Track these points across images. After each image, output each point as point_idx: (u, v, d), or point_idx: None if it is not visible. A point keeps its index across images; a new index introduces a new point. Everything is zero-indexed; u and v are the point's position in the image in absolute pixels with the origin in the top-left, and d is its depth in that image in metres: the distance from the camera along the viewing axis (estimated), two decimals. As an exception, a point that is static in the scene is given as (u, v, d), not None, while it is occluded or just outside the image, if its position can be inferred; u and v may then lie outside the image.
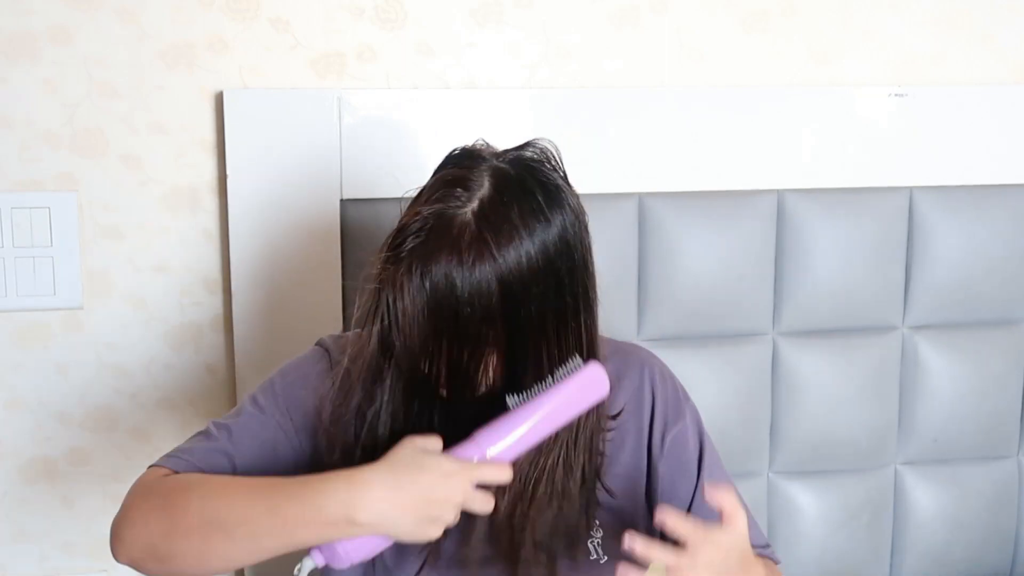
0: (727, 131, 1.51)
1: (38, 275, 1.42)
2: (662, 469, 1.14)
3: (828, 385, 1.56)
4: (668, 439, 1.14)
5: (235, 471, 1.04)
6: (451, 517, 0.94)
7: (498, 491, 0.99)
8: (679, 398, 1.18)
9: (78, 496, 1.49)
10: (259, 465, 1.05)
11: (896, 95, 1.54)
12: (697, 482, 1.14)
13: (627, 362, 1.15)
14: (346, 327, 1.45)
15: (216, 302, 1.47)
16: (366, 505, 0.92)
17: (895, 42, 1.57)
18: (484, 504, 0.95)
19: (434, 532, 0.94)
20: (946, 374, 1.59)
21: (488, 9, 1.46)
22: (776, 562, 1.18)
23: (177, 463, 1.04)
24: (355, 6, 1.43)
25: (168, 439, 1.49)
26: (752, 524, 1.12)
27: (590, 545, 1.10)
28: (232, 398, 1.48)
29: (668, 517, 0.94)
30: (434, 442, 0.96)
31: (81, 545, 1.50)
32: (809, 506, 1.58)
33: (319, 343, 1.14)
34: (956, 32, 1.58)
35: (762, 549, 1.16)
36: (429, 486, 0.92)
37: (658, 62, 1.51)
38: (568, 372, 0.98)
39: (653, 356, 1.19)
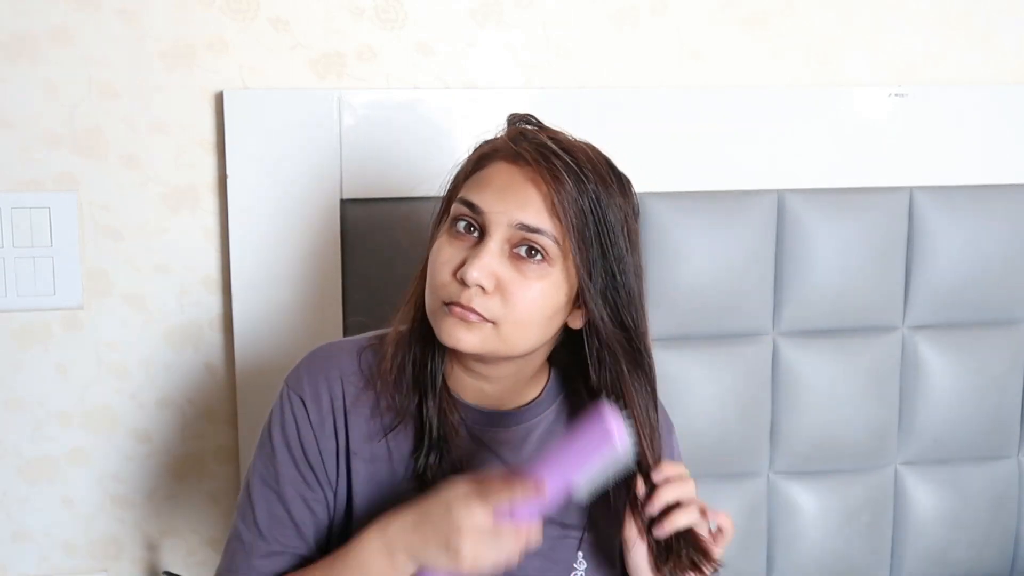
0: (727, 131, 1.51)
1: (38, 275, 1.42)
2: None
3: (828, 385, 1.56)
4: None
5: (288, 564, 1.07)
6: (470, 548, 0.93)
7: None
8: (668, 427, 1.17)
9: (78, 496, 1.49)
10: (300, 538, 1.08)
11: (896, 95, 1.54)
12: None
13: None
14: (346, 327, 1.45)
15: (216, 302, 1.47)
16: (398, 545, 0.97)
17: (895, 42, 1.57)
18: (509, 536, 0.94)
19: (470, 562, 0.93)
20: (946, 374, 1.59)
21: (488, 9, 1.46)
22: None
23: None
24: (355, 6, 1.43)
25: (168, 439, 1.49)
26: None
27: None
28: (232, 398, 1.48)
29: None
30: (465, 483, 0.97)
31: (81, 545, 1.50)
32: (809, 506, 1.58)
33: (288, 384, 1.11)
34: (956, 32, 1.58)
35: None
36: (438, 514, 0.95)
37: (658, 62, 1.51)
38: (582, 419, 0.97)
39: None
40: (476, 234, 1.00)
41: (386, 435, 1.08)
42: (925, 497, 1.62)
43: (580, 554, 1.10)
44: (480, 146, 1.05)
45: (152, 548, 1.52)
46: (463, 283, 0.98)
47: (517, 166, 0.99)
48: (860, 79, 1.56)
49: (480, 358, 1.03)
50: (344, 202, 1.43)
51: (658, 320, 1.52)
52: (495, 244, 0.98)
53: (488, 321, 0.98)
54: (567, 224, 0.98)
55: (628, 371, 1.04)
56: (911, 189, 1.56)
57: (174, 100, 1.41)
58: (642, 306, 1.05)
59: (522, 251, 0.98)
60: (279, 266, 1.43)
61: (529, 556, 1.03)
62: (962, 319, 1.60)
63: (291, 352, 1.43)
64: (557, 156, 0.99)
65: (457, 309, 0.98)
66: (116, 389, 1.47)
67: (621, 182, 1.05)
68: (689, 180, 1.50)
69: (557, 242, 0.98)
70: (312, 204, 1.42)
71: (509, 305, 0.98)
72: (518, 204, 0.98)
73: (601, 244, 1.00)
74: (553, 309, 1.01)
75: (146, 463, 1.50)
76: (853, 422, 1.58)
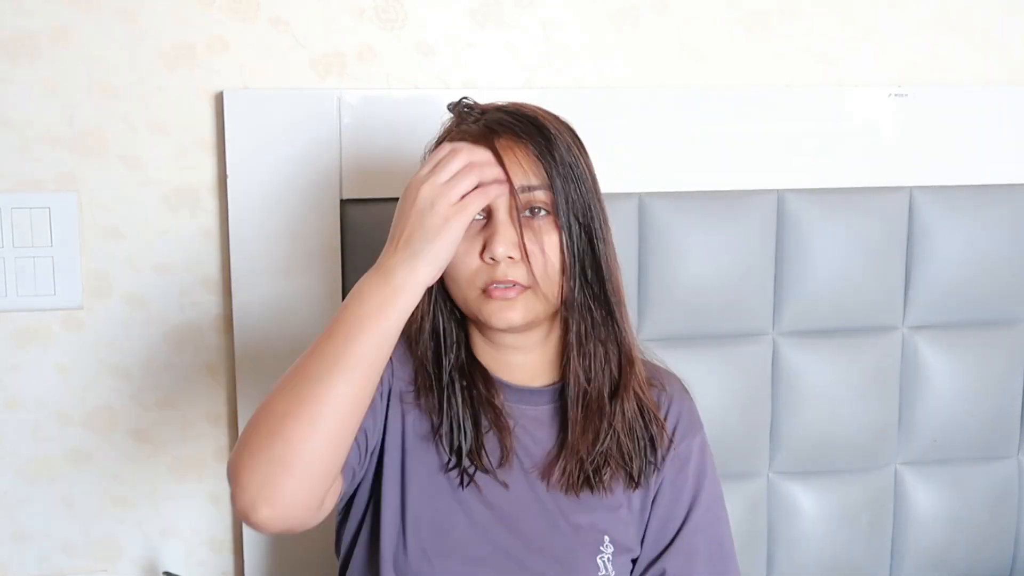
0: (727, 131, 1.51)
1: (38, 275, 1.42)
2: (662, 476, 1.15)
3: (828, 385, 1.56)
4: (672, 452, 1.15)
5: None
6: (437, 206, 0.97)
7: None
8: (694, 420, 1.19)
9: (78, 496, 1.49)
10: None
11: (896, 95, 1.54)
12: (688, 513, 1.16)
13: (660, 380, 1.19)
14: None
15: (216, 302, 1.47)
16: (386, 257, 0.99)
17: (895, 42, 1.57)
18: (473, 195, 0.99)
19: (445, 223, 0.96)
20: (946, 374, 1.59)
21: (488, 9, 1.46)
22: None
23: None
24: (355, 6, 1.43)
25: (168, 439, 1.49)
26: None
27: (599, 561, 1.10)
28: (232, 399, 1.48)
29: None
30: None
31: (81, 545, 1.50)
32: (809, 506, 1.58)
33: None
34: (956, 32, 1.58)
35: None
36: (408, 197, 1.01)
37: (658, 62, 1.51)
38: None
39: (684, 388, 1.23)
40: (482, 217, 1.05)
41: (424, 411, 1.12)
42: (925, 497, 1.62)
43: (607, 537, 1.11)
44: (439, 146, 1.06)
45: (152, 548, 1.52)
46: (493, 261, 1.03)
47: (488, 141, 1.04)
48: (860, 79, 1.56)
49: (526, 327, 1.08)
50: (344, 202, 1.43)
51: (658, 320, 1.52)
52: (504, 215, 1.03)
53: (525, 287, 1.04)
54: (550, 173, 1.05)
55: (597, 325, 1.10)
56: (911, 189, 1.56)
57: (174, 100, 1.41)
58: (613, 247, 1.12)
59: (527, 212, 1.04)
60: (279, 266, 1.43)
61: (557, 537, 1.07)
62: (962, 319, 1.60)
63: (291, 352, 1.43)
64: (516, 118, 1.06)
65: (497, 290, 1.04)
66: (116, 389, 1.47)
67: (569, 128, 1.13)
68: (689, 180, 1.50)
69: (551, 192, 1.05)
70: (312, 204, 1.42)
71: (537, 265, 1.04)
72: (508, 172, 1.03)
73: (576, 184, 1.07)
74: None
75: (146, 463, 1.50)
76: (853, 422, 1.58)
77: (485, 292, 1.04)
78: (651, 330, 1.51)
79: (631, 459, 1.11)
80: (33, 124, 1.39)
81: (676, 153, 1.50)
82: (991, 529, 1.65)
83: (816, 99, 1.53)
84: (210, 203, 1.44)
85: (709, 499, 1.17)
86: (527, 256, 1.03)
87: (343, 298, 1.45)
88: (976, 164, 1.58)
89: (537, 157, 1.04)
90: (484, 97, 1.44)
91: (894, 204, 1.55)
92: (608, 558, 1.11)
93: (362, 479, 1.10)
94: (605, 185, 1.46)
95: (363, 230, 1.43)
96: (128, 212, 1.43)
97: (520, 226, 1.03)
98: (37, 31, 1.37)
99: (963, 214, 1.57)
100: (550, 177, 1.04)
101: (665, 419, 1.16)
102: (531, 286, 1.04)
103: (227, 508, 1.52)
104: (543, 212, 1.05)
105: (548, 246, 1.04)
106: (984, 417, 1.62)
